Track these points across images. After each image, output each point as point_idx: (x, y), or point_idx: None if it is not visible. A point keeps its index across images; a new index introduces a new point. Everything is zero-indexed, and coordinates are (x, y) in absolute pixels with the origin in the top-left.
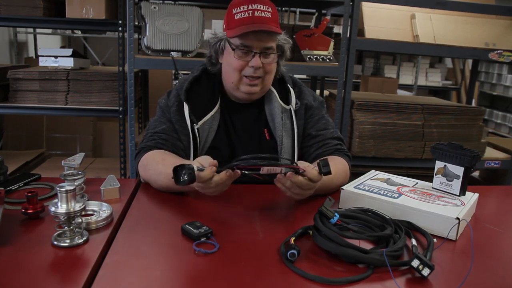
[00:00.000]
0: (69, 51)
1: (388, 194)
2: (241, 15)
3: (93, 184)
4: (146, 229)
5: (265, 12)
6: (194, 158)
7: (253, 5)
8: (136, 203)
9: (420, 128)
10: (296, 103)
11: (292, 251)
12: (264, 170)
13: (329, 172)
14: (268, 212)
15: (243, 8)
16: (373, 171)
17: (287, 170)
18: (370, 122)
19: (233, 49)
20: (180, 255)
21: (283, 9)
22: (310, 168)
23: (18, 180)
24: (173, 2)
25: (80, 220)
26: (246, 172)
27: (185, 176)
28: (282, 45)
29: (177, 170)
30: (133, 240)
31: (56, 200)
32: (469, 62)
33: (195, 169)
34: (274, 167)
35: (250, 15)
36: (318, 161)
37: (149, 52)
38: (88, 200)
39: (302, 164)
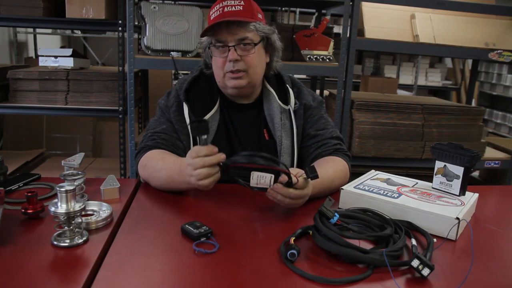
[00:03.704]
0: (69, 51)
1: (388, 194)
2: (214, 15)
3: (93, 184)
4: (146, 229)
5: (236, 6)
6: None
7: (223, 2)
8: (136, 203)
9: (420, 128)
10: (295, 103)
11: (292, 251)
12: (253, 182)
13: (316, 177)
14: (268, 212)
15: (216, 7)
16: (373, 171)
17: (281, 173)
18: (370, 122)
19: (209, 48)
20: (180, 255)
21: (283, 9)
22: (298, 178)
23: (18, 180)
24: (173, 2)
25: (80, 220)
26: (240, 180)
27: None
28: (266, 35)
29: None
30: (133, 240)
31: (56, 200)
32: (469, 62)
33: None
34: (263, 174)
35: (221, 12)
36: (306, 168)
37: (149, 52)
38: (88, 200)
39: (293, 172)
